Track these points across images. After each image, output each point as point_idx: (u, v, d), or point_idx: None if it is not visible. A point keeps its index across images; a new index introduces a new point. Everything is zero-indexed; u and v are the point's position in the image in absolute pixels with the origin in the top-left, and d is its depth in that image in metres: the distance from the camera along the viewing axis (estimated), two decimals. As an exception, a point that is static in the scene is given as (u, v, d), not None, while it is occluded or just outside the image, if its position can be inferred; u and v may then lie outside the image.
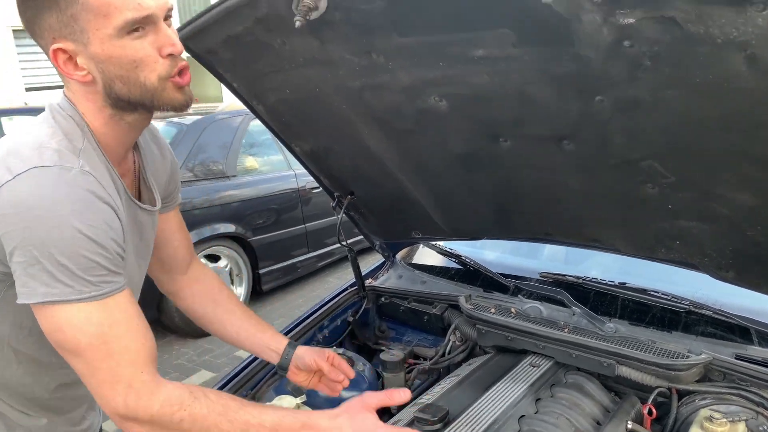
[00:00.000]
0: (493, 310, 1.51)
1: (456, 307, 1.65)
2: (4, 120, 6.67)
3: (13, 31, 9.55)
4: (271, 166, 4.33)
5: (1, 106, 8.34)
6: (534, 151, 1.23)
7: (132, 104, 0.95)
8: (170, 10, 0.94)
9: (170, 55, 0.93)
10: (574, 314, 1.44)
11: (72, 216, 0.85)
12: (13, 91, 9.52)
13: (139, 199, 1.10)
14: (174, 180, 1.26)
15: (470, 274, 1.83)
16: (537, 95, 1.08)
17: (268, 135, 4.40)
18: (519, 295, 1.62)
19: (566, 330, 1.39)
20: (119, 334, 0.89)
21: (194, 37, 1.26)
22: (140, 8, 0.87)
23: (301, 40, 1.17)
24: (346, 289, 1.91)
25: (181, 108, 0.99)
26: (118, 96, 0.94)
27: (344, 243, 1.75)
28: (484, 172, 1.37)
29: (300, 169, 4.50)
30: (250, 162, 4.23)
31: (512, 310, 1.50)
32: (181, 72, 0.95)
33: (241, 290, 4.07)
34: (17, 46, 9.62)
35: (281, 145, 4.53)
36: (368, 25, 1.08)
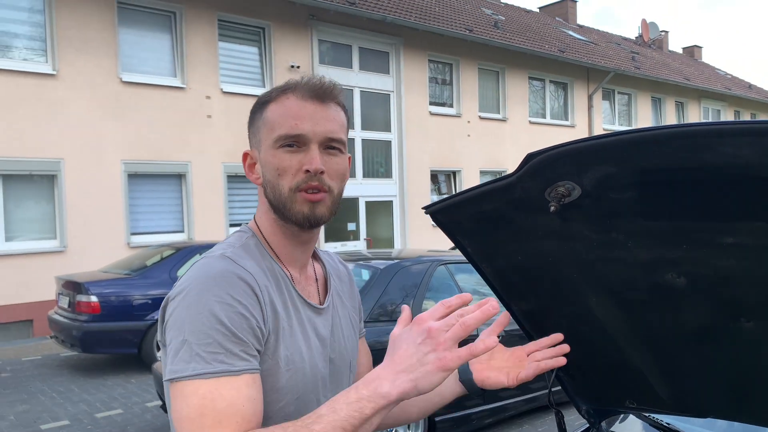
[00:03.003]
0: (727, 499, 1.41)
1: (680, 488, 1.55)
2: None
3: (228, 176, 11.11)
4: (451, 312, 4.45)
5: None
6: (783, 335, 1.21)
7: (276, 209, 1.06)
8: (332, 140, 1.06)
9: (306, 171, 1.03)
10: None
11: (201, 293, 0.92)
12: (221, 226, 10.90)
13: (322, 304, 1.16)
14: (357, 308, 1.31)
15: (690, 452, 1.72)
16: (792, 281, 1.10)
17: (451, 282, 4.58)
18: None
19: None
20: (217, 410, 0.87)
21: (445, 211, 1.45)
22: (294, 128, 1.03)
23: (544, 217, 1.31)
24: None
25: (305, 221, 1.05)
26: (269, 199, 1.07)
27: (555, 406, 1.76)
28: (721, 350, 1.35)
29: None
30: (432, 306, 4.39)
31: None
32: (311, 189, 1.04)
33: (414, 435, 4.06)
34: (228, 189, 11.13)
35: (461, 291, 4.71)
36: (615, 210, 1.19)
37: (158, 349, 6.95)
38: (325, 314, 1.15)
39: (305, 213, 1.05)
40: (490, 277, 1.66)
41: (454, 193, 1.42)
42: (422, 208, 1.55)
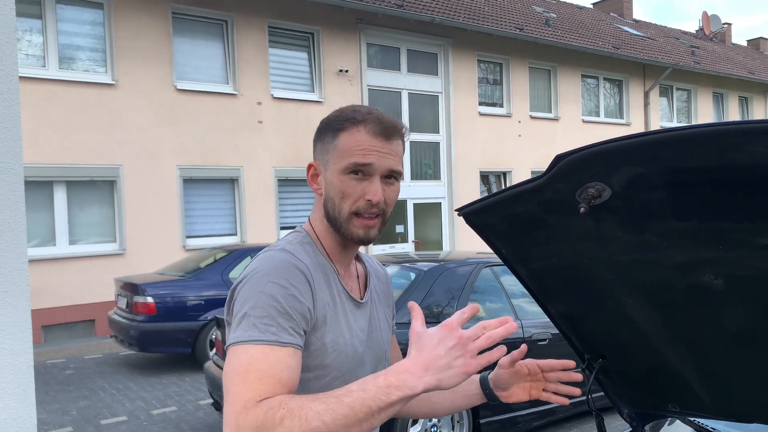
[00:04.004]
0: None
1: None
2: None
3: (278, 180, 11.31)
4: (496, 314, 4.42)
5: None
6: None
7: (331, 222, 1.23)
8: (394, 173, 1.23)
9: (368, 200, 1.18)
10: None
11: (263, 277, 1.09)
12: (272, 227, 11.11)
13: (362, 298, 1.33)
14: (391, 306, 1.49)
15: (737, 460, 1.67)
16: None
17: (496, 283, 4.54)
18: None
19: None
20: (261, 369, 1.01)
21: (477, 213, 1.46)
22: (364, 157, 1.18)
23: (576, 218, 1.30)
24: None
25: (359, 242, 1.23)
26: (327, 212, 1.23)
27: (595, 409, 1.73)
28: (764, 354, 1.31)
29: (526, 320, 4.56)
30: (478, 309, 4.37)
31: None
32: (369, 215, 1.20)
33: (459, 437, 4.05)
34: (279, 192, 11.33)
35: (507, 294, 4.66)
36: (647, 210, 1.17)
37: (211, 348, 7.15)
38: (364, 308, 1.31)
39: (360, 235, 1.22)
40: (525, 278, 1.65)
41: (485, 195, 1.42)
42: (455, 210, 1.55)
